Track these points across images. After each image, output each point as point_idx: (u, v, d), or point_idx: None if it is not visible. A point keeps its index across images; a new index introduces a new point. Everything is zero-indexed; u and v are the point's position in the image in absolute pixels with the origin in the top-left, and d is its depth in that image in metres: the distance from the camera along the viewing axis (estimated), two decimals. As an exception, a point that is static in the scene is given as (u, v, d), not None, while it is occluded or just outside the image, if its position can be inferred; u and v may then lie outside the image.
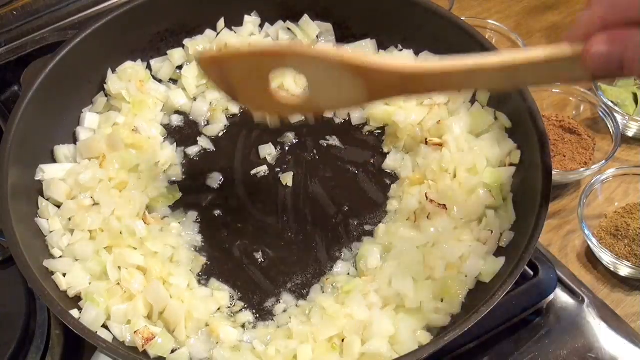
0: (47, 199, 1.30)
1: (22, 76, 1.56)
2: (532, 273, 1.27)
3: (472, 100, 1.43)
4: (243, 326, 1.22)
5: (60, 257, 1.25)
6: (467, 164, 1.32)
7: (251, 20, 1.56)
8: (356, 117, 1.49)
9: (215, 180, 1.42)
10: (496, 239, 1.25)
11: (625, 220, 1.40)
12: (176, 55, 1.53)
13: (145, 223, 1.29)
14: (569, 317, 1.29)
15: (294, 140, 1.47)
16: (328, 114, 1.50)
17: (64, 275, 1.21)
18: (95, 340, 1.09)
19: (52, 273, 1.21)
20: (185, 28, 1.54)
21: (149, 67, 1.53)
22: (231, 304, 1.25)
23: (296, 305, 1.25)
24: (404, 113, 1.42)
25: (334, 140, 1.47)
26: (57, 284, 1.20)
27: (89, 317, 1.15)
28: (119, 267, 1.22)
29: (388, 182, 1.41)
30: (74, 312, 1.15)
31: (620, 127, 1.54)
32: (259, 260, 1.31)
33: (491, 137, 1.36)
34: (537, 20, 1.87)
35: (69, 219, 1.28)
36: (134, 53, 1.51)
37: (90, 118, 1.44)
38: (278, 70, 1.07)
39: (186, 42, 1.53)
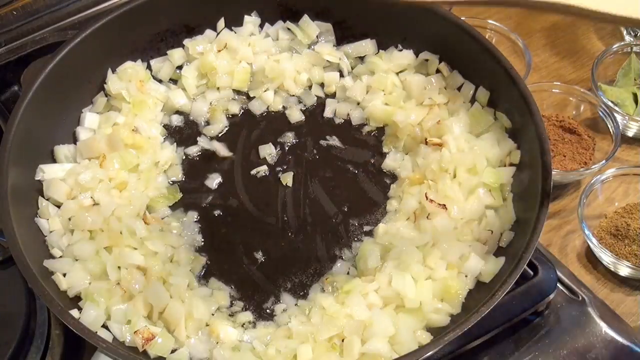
0: (47, 199, 1.30)
1: (22, 76, 1.56)
2: (532, 273, 1.27)
3: (472, 100, 1.43)
4: (243, 326, 1.22)
5: (60, 257, 1.25)
6: (467, 164, 1.32)
7: (251, 20, 1.56)
8: (356, 117, 1.49)
9: (215, 180, 1.42)
10: (496, 239, 1.25)
11: (625, 220, 1.40)
12: (176, 55, 1.53)
13: (145, 223, 1.29)
14: (568, 317, 1.29)
15: (294, 140, 1.47)
16: (328, 114, 1.50)
17: (64, 275, 1.21)
18: (95, 340, 1.09)
19: (52, 273, 1.21)
20: (185, 28, 1.54)
21: (149, 67, 1.54)
22: (231, 304, 1.25)
23: (296, 305, 1.25)
24: (403, 113, 1.42)
25: (334, 140, 1.47)
26: (57, 284, 1.20)
27: (89, 317, 1.15)
28: (119, 267, 1.22)
29: (388, 182, 1.41)
30: (74, 312, 1.15)
31: (620, 127, 1.53)
32: (259, 260, 1.31)
33: (491, 137, 1.36)
34: (537, 20, 1.87)
35: (69, 219, 1.28)
36: (134, 53, 1.51)
37: (90, 118, 1.44)
38: None
39: (186, 42, 1.53)
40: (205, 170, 1.43)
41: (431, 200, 1.27)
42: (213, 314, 1.22)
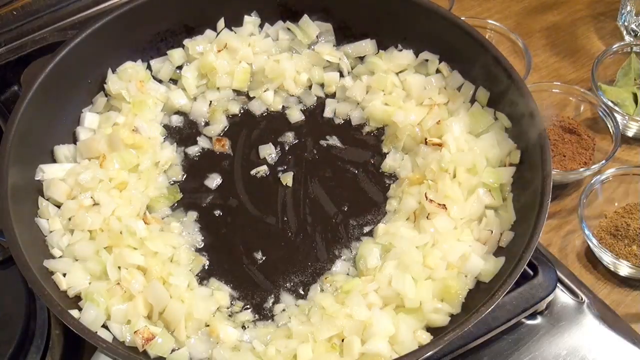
0: (47, 199, 1.30)
1: (22, 76, 1.56)
2: (532, 273, 1.27)
3: (472, 100, 1.43)
4: (243, 326, 1.22)
5: (60, 257, 1.25)
6: (466, 164, 1.32)
7: (251, 20, 1.56)
8: (356, 117, 1.49)
9: (215, 180, 1.42)
10: (496, 239, 1.25)
11: (625, 220, 1.40)
12: (176, 55, 1.53)
13: (145, 223, 1.29)
14: (568, 318, 1.29)
15: (294, 140, 1.47)
16: (328, 114, 1.50)
17: (64, 275, 1.21)
18: (95, 340, 1.09)
19: (52, 273, 1.21)
20: (185, 28, 1.54)
21: (149, 67, 1.54)
22: (231, 304, 1.25)
23: (296, 305, 1.25)
24: (403, 113, 1.42)
25: (334, 140, 1.47)
26: (57, 284, 1.20)
27: (89, 317, 1.15)
28: (119, 267, 1.22)
29: (388, 182, 1.41)
30: (74, 312, 1.15)
31: (620, 127, 1.53)
32: (259, 260, 1.31)
33: (491, 137, 1.36)
34: (537, 20, 1.87)
35: (69, 219, 1.28)
36: (134, 53, 1.51)
37: (90, 118, 1.44)
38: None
39: (186, 42, 1.53)
40: (205, 170, 1.43)
41: (431, 200, 1.27)
42: (213, 314, 1.22)
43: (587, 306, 1.31)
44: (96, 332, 1.13)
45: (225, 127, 1.50)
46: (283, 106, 1.52)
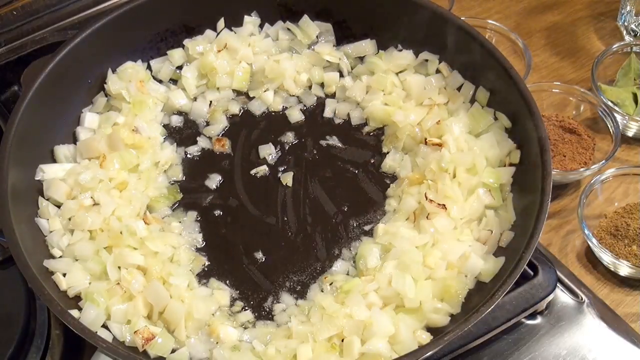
0: (47, 199, 1.30)
1: (22, 76, 1.56)
2: (532, 273, 1.27)
3: (472, 101, 1.43)
4: (243, 326, 1.22)
5: (60, 257, 1.25)
6: (466, 164, 1.32)
7: (251, 21, 1.56)
8: (356, 117, 1.49)
9: (215, 180, 1.42)
10: (496, 239, 1.25)
11: (625, 220, 1.40)
12: (176, 55, 1.53)
13: (145, 223, 1.29)
14: (568, 317, 1.29)
15: (294, 140, 1.47)
16: (328, 114, 1.50)
17: (64, 275, 1.21)
18: (95, 340, 1.09)
19: (52, 273, 1.21)
20: (185, 28, 1.54)
21: (149, 67, 1.54)
22: (231, 304, 1.25)
23: (296, 305, 1.25)
24: (403, 113, 1.42)
25: (333, 140, 1.47)
26: (57, 284, 1.20)
27: (89, 317, 1.15)
28: (119, 267, 1.22)
29: (387, 182, 1.41)
30: (74, 312, 1.15)
31: (620, 127, 1.53)
32: (259, 260, 1.31)
33: (491, 137, 1.36)
34: (537, 20, 1.87)
35: (69, 219, 1.28)
36: (134, 53, 1.51)
37: (90, 118, 1.44)
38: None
39: (186, 42, 1.53)
40: (205, 170, 1.43)
41: (431, 200, 1.27)
42: (213, 314, 1.22)
43: (587, 306, 1.31)
44: (96, 332, 1.13)
45: (225, 127, 1.50)
46: (283, 106, 1.52)
